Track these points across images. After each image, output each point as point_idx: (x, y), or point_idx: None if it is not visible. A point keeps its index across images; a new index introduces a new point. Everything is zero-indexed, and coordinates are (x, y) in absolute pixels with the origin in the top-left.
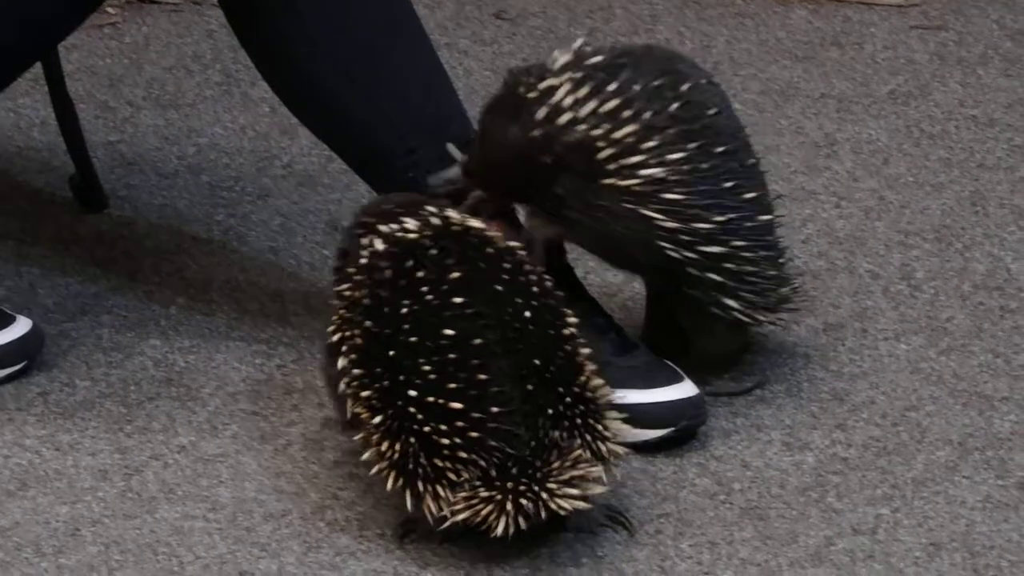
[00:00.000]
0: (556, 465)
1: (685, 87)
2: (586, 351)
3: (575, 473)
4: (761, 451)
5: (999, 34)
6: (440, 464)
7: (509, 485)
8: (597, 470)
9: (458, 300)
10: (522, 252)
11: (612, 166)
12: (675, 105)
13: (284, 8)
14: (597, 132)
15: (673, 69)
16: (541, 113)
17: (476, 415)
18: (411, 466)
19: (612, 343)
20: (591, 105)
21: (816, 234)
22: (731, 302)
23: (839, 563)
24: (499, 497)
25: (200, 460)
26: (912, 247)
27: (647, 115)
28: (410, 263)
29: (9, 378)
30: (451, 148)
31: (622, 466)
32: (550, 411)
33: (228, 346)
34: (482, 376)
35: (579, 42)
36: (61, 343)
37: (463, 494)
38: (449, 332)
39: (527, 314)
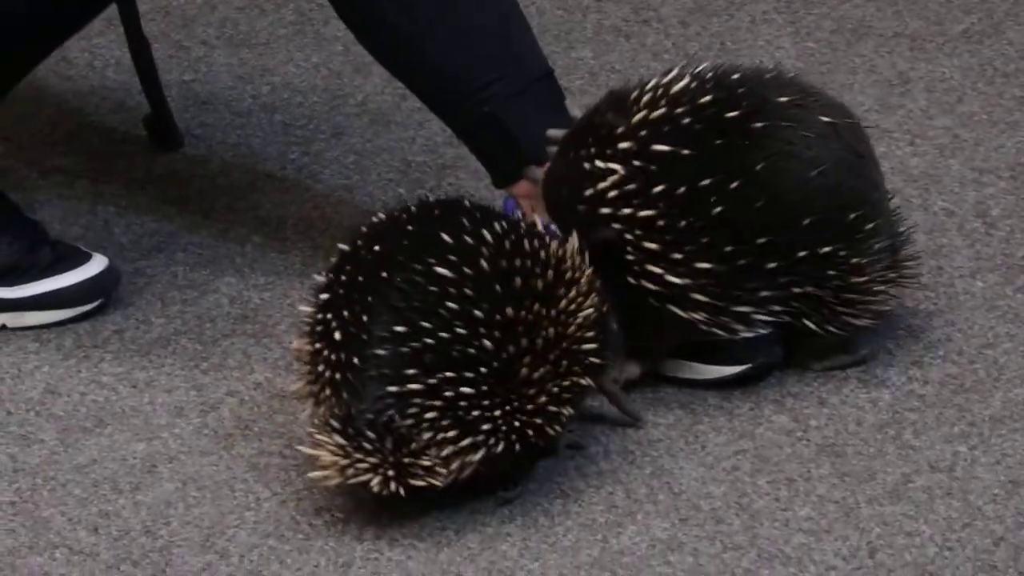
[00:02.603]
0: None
1: (735, 179)
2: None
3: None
4: (837, 388)
5: None
6: None
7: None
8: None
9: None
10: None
11: (636, 269)
12: (717, 209)
13: None
14: (628, 236)
15: (734, 145)
16: (588, 191)
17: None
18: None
19: None
20: (628, 211)
21: (891, 172)
22: (810, 324)
23: (917, 500)
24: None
25: (276, 396)
26: (987, 185)
27: (682, 223)
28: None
29: (85, 316)
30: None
31: (699, 403)
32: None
33: (303, 283)
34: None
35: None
36: (136, 281)
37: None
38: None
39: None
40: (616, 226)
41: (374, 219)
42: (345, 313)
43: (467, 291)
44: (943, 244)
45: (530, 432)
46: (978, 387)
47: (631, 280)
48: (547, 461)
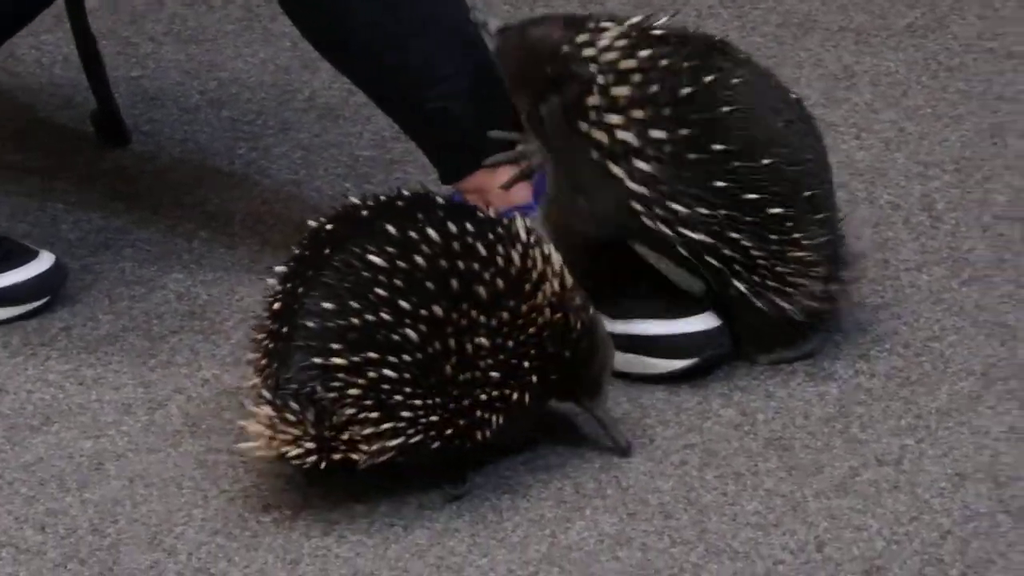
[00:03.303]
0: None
1: (708, 79)
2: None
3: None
4: (784, 382)
5: None
6: None
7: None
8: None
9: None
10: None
11: (593, 115)
12: (687, 90)
13: None
14: (600, 80)
15: (710, 60)
16: (581, 38)
17: None
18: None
19: (635, 273)
20: (613, 56)
21: (837, 166)
22: (740, 285)
23: (864, 493)
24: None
25: (224, 393)
26: (932, 178)
27: (653, 88)
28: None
29: (32, 313)
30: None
31: (646, 396)
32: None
33: (250, 279)
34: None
35: (663, 18)
36: (84, 277)
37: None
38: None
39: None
40: (593, 68)
41: (352, 201)
42: (288, 285)
43: (396, 282)
44: (889, 237)
45: (450, 431)
46: (924, 380)
47: (583, 126)
48: (492, 457)
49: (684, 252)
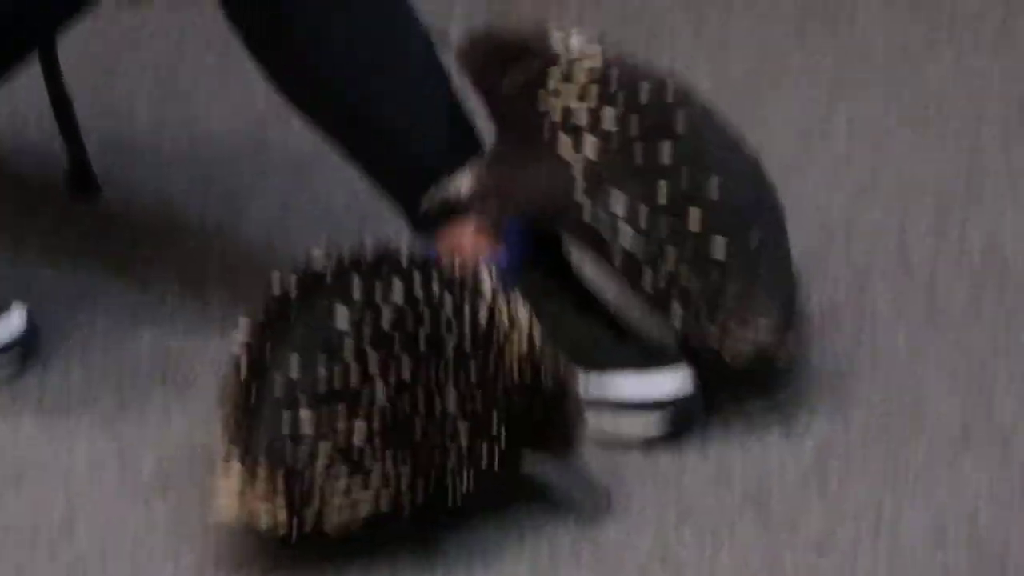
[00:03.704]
0: None
1: (672, 87)
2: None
3: None
4: (760, 437)
5: (992, 11)
6: None
7: None
8: None
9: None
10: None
11: (552, 83)
12: (646, 85)
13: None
14: (566, 57)
15: (677, 79)
16: (554, 26)
17: None
18: None
19: (608, 326)
20: (580, 40)
21: (810, 215)
22: (674, 319)
23: (841, 550)
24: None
25: (196, 448)
26: (908, 229)
27: (614, 70)
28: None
29: (3, 367)
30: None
31: (620, 452)
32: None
33: (224, 333)
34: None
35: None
36: (56, 332)
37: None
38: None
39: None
40: (561, 49)
41: (317, 256)
42: (255, 340)
43: (365, 338)
44: (864, 289)
45: (420, 491)
46: (902, 435)
47: (540, 93)
48: (464, 520)
49: (619, 263)
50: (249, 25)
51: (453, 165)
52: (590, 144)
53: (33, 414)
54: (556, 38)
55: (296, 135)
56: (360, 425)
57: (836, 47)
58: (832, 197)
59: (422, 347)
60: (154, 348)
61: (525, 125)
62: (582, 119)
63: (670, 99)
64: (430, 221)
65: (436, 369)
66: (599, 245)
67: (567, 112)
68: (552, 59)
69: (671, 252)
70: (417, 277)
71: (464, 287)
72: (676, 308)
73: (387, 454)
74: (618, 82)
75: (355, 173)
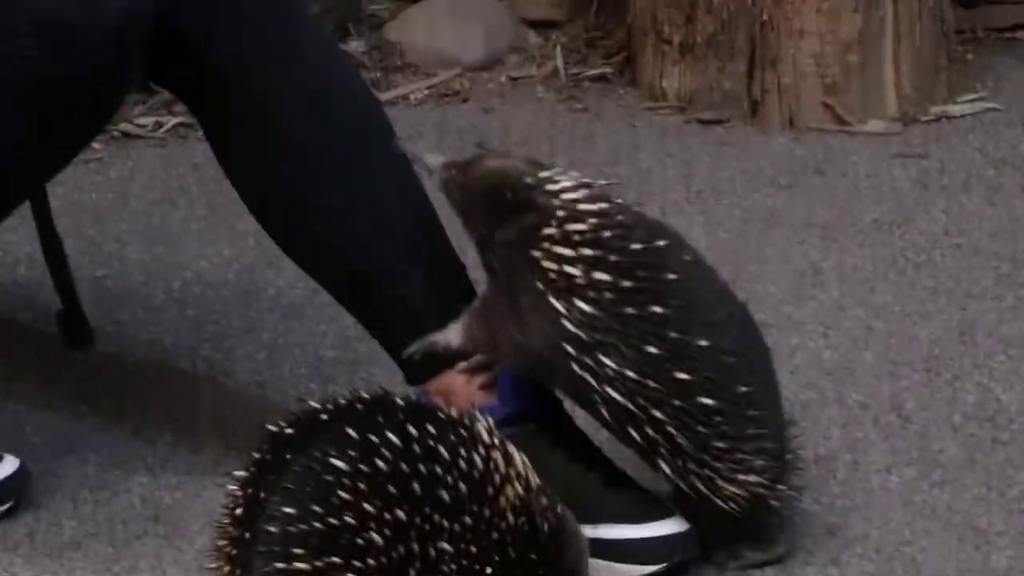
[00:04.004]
0: None
1: (661, 243)
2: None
3: None
4: None
5: (981, 162)
6: None
7: None
8: None
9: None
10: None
11: (546, 244)
12: (637, 246)
13: (271, 138)
14: (559, 213)
15: (665, 229)
16: (544, 173)
17: None
18: None
19: (601, 476)
20: (575, 196)
21: (804, 364)
22: (664, 465)
23: None
24: None
25: None
26: (901, 377)
27: (606, 233)
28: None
29: None
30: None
31: None
32: None
33: (215, 482)
34: None
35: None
36: (48, 481)
37: None
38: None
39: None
40: (555, 202)
41: (311, 405)
42: (249, 491)
43: (360, 486)
44: (858, 438)
45: None
46: None
47: (535, 253)
48: None
49: (606, 414)
50: (238, 173)
51: (442, 308)
52: (581, 306)
53: (24, 565)
54: (548, 189)
55: (287, 281)
56: (354, 573)
57: (828, 197)
58: (825, 345)
59: (417, 494)
60: (146, 495)
61: (517, 281)
62: (574, 281)
63: (660, 259)
64: (423, 368)
65: (431, 516)
66: (588, 398)
67: (559, 274)
68: (545, 216)
69: (657, 411)
70: (410, 424)
71: (458, 434)
72: (665, 458)
73: None
74: (609, 244)
75: (346, 320)
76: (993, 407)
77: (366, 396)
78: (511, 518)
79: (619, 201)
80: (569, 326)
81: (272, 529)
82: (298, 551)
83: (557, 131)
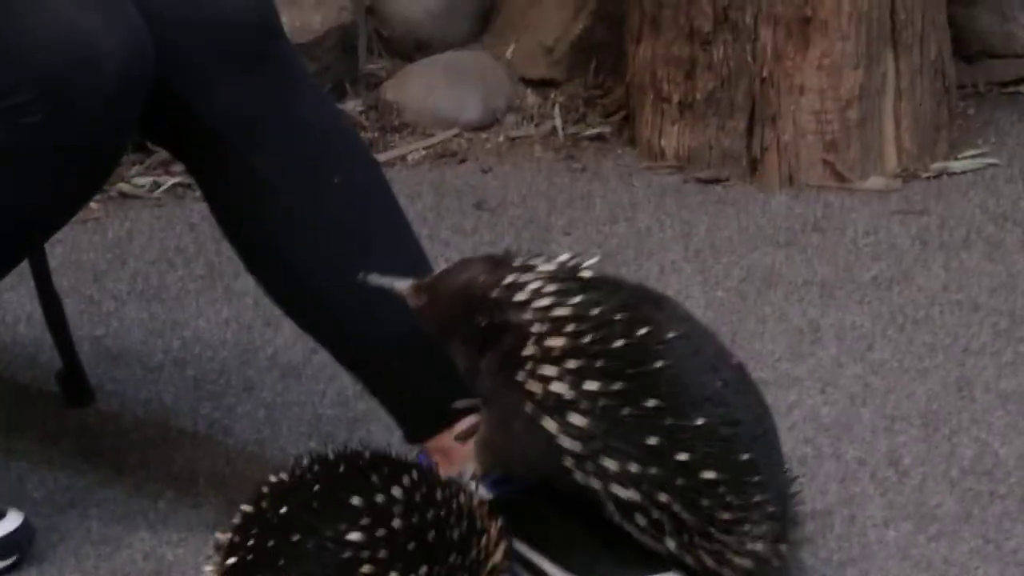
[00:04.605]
0: None
1: (642, 331)
2: None
3: None
4: None
5: (981, 218)
6: None
7: None
8: None
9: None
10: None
11: (529, 366)
12: (620, 342)
13: (264, 197)
14: (535, 328)
15: (643, 312)
16: (508, 278)
17: None
18: None
19: (601, 531)
20: (545, 302)
21: (802, 420)
22: (670, 542)
23: None
24: None
25: None
26: (899, 432)
27: (585, 339)
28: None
29: (1, 572)
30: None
31: None
32: None
33: (216, 539)
34: None
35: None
36: (51, 536)
37: None
38: None
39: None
40: (527, 317)
41: (275, 478)
42: (246, 559)
43: (380, 554)
44: (855, 493)
45: None
46: None
47: (519, 376)
48: None
49: (613, 508)
50: (232, 232)
51: (440, 365)
52: (575, 421)
53: None
54: (517, 301)
55: (285, 340)
56: None
57: (827, 255)
58: (823, 401)
59: (431, 543)
60: (148, 551)
61: (507, 406)
62: (563, 399)
63: (645, 351)
64: (423, 426)
65: (447, 559)
66: (594, 499)
67: (547, 393)
68: (522, 335)
69: (662, 494)
70: (404, 475)
71: (446, 480)
72: (672, 536)
73: None
74: (591, 351)
75: (345, 379)
76: (991, 461)
77: (336, 456)
78: (502, 543)
79: (592, 278)
80: (566, 443)
81: None
82: None
83: (555, 191)
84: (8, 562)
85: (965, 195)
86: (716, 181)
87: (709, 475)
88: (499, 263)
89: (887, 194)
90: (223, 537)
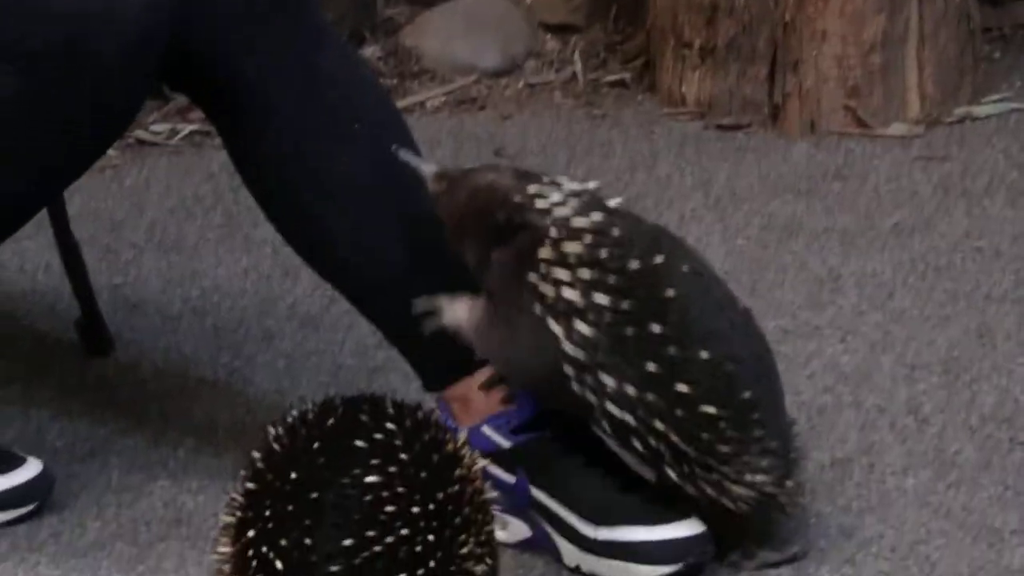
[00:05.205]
0: None
1: (658, 259)
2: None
3: None
4: None
5: (1004, 164)
6: None
7: None
8: None
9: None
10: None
11: (543, 268)
12: (635, 264)
13: (286, 149)
14: (553, 233)
15: (661, 243)
16: (533, 188)
17: None
18: None
19: (617, 479)
20: (566, 212)
21: (822, 369)
22: (671, 472)
23: None
24: None
25: None
26: (918, 381)
27: (602, 252)
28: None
29: (21, 519)
30: None
31: None
32: None
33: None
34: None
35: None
36: (71, 485)
37: None
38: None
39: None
40: (547, 220)
41: (260, 453)
42: (282, 542)
43: (399, 489)
44: (875, 441)
45: None
46: None
47: (531, 276)
48: None
49: (608, 428)
50: (252, 180)
51: None
52: (580, 328)
53: (49, 565)
54: (539, 207)
55: (304, 290)
56: None
57: (848, 203)
58: (843, 350)
59: (436, 466)
60: (168, 499)
61: (513, 303)
62: (572, 305)
63: (658, 277)
64: (442, 375)
65: (454, 481)
66: (590, 414)
67: (557, 298)
68: (539, 236)
69: (660, 423)
70: (392, 409)
71: (427, 417)
72: (671, 465)
73: None
74: (607, 265)
75: (364, 328)
76: (1011, 408)
77: (316, 411)
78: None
79: (614, 207)
80: (568, 348)
81: (336, 568)
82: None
83: (575, 138)
84: (27, 510)
85: (988, 141)
86: (737, 128)
87: (709, 409)
88: (526, 174)
89: (909, 140)
90: (228, 519)
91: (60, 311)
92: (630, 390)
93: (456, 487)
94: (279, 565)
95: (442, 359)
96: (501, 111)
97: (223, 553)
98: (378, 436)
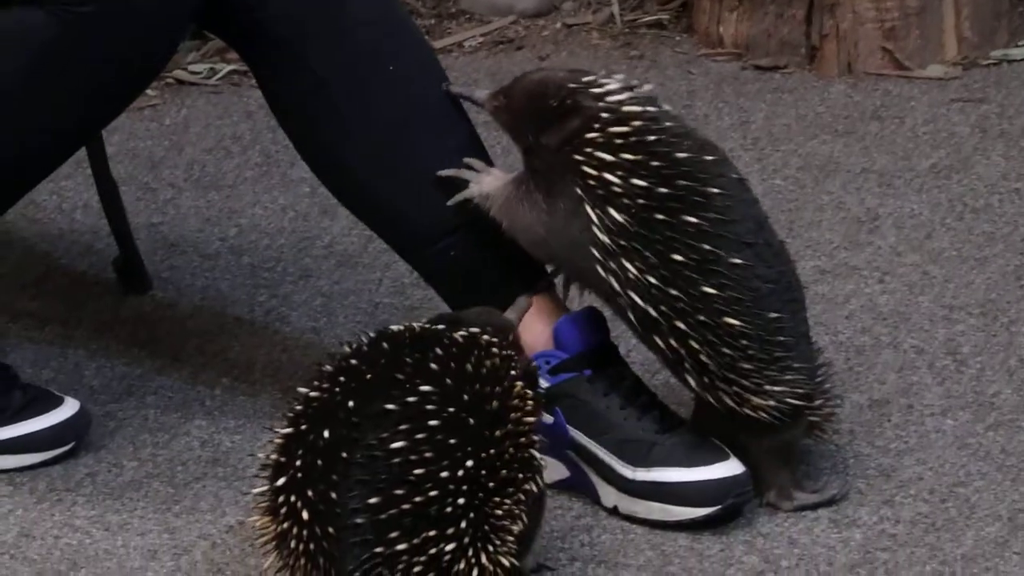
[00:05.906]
0: None
1: (710, 158)
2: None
3: None
4: (808, 528)
5: None
6: None
7: None
8: None
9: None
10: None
11: (589, 149)
12: (683, 155)
13: (314, 90)
14: (604, 115)
15: (716, 149)
16: (589, 78)
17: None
18: None
19: (655, 420)
20: (621, 97)
21: (860, 310)
22: (690, 378)
23: None
24: None
25: (247, 539)
26: (957, 322)
27: (651, 138)
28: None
29: (57, 459)
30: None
31: (669, 544)
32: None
33: (273, 427)
34: None
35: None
36: (108, 424)
37: None
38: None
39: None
40: (600, 105)
41: (303, 393)
42: (309, 493)
43: (427, 454)
44: (913, 382)
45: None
46: (950, 526)
47: (577, 157)
48: None
49: (632, 317)
50: (287, 122)
51: (491, 252)
52: (613, 214)
53: (86, 505)
54: (593, 92)
55: (341, 229)
56: (447, 539)
57: (885, 143)
58: (881, 291)
59: (472, 425)
60: (205, 438)
61: (556, 183)
62: (611, 189)
63: (705, 172)
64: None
65: (489, 435)
66: (613, 300)
67: (598, 180)
68: (589, 119)
69: (681, 323)
70: (434, 363)
71: (478, 365)
72: (691, 372)
73: (469, 544)
74: (654, 149)
75: (401, 267)
76: None
77: (361, 359)
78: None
79: (669, 110)
80: (599, 234)
81: (361, 520)
82: (394, 535)
83: None
84: (65, 448)
85: None
86: (774, 69)
87: (732, 320)
88: (581, 70)
89: (946, 82)
90: (266, 459)
91: (98, 250)
92: (652, 280)
93: (494, 449)
94: (305, 515)
95: (479, 298)
96: (538, 52)
97: (256, 493)
98: (411, 399)
